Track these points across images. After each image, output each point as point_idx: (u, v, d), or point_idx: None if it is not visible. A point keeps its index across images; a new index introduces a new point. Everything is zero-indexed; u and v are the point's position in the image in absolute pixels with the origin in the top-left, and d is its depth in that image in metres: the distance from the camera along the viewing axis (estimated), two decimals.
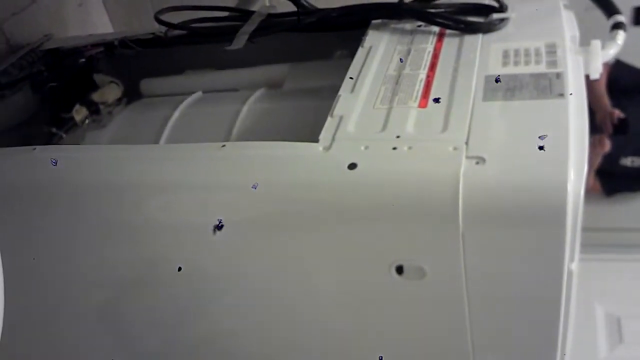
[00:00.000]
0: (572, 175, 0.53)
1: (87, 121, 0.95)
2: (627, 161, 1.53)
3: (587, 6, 0.78)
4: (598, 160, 1.46)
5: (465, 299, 0.60)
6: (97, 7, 1.46)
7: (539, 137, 0.56)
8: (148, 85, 1.03)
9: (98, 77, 1.03)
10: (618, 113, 1.46)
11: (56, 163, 0.70)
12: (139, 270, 0.73)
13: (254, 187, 0.61)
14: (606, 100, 1.46)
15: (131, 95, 1.02)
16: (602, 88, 1.43)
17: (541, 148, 0.55)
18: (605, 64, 0.71)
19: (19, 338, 0.85)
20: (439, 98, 0.65)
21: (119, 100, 1.00)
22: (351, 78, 0.73)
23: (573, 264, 0.57)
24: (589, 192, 0.55)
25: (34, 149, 0.75)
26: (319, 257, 0.64)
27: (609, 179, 1.52)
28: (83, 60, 1.06)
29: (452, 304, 0.61)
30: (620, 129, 1.46)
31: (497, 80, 0.66)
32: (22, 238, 0.75)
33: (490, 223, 0.56)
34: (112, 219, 0.70)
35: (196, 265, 0.69)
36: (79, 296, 0.79)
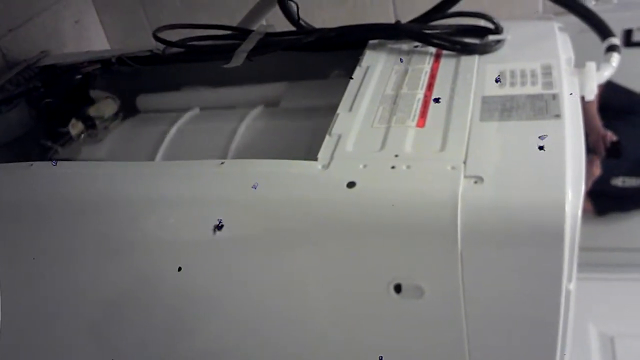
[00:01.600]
0: (569, 195, 0.53)
1: (83, 136, 0.95)
2: (619, 181, 1.54)
3: (581, 29, 0.79)
4: (590, 182, 1.46)
5: (463, 318, 0.60)
6: (94, 24, 1.46)
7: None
8: (145, 101, 1.04)
9: (94, 93, 1.03)
10: (611, 135, 1.46)
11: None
12: (135, 286, 0.73)
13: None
14: (598, 122, 1.47)
15: (128, 111, 1.02)
16: (594, 109, 1.44)
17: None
18: (598, 86, 0.72)
19: (13, 352, 0.84)
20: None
21: (116, 115, 1.00)
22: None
23: (571, 284, 0.57)
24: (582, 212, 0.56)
25: (31, 165, 0.74)
26: (317, 275, 0.64)
27: (601, 199, 1.53)
28: (79, 76, 1.06)
29: (450, 323, 0.61)
30: (612, 152, 1.47)
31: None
32: (18, 254, 0.74)
33: (489, 242, 0.56)
34: (109, 236, 0.69)
35: (192, 280, 0.69)
36: (75, 311, 0.78)
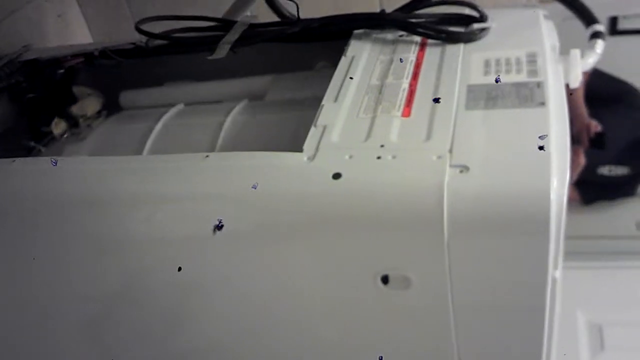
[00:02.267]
0: (554, 183, 0.53)
1: (66, 135, 0.94)
2: (605, 170, 1.54)
3: (565, 16, 0.79)
4: (575, 173, 1.46)
5: (450, 308, 0.60)
6: (77, 18, 1.45)
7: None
8: (128, 97, 1.02)
9: (77, 90, 1.02)
10: (595, 125, 1.46)
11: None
12: (124, 283, 0.72)
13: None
14: (584, 110, 1.47)
15: (111, 107, 1.01)
16: (580, 97, 1.44)
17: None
18: (584, 74, 0.72)
19: (8, 353, 0.83)
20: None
21: (99, 113, 0.99)
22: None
23: (557, 271, 0.57)
24: (567, 201, 0.56)
25: (13, 161, 0.73)
26: (304, 267, 0.63)
27: (587, 188, 1.53)
28: (62, 71, 1.05)
29: (438, 312, 0.61)
30: (596, 143, 1.46)
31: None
32: (2, 252, 0.73)
33: (475, 231, 0.56)
34: (95, 232, 0.68)
35: (180, 276, 0.68)
36: (64, 310, 0.77)
